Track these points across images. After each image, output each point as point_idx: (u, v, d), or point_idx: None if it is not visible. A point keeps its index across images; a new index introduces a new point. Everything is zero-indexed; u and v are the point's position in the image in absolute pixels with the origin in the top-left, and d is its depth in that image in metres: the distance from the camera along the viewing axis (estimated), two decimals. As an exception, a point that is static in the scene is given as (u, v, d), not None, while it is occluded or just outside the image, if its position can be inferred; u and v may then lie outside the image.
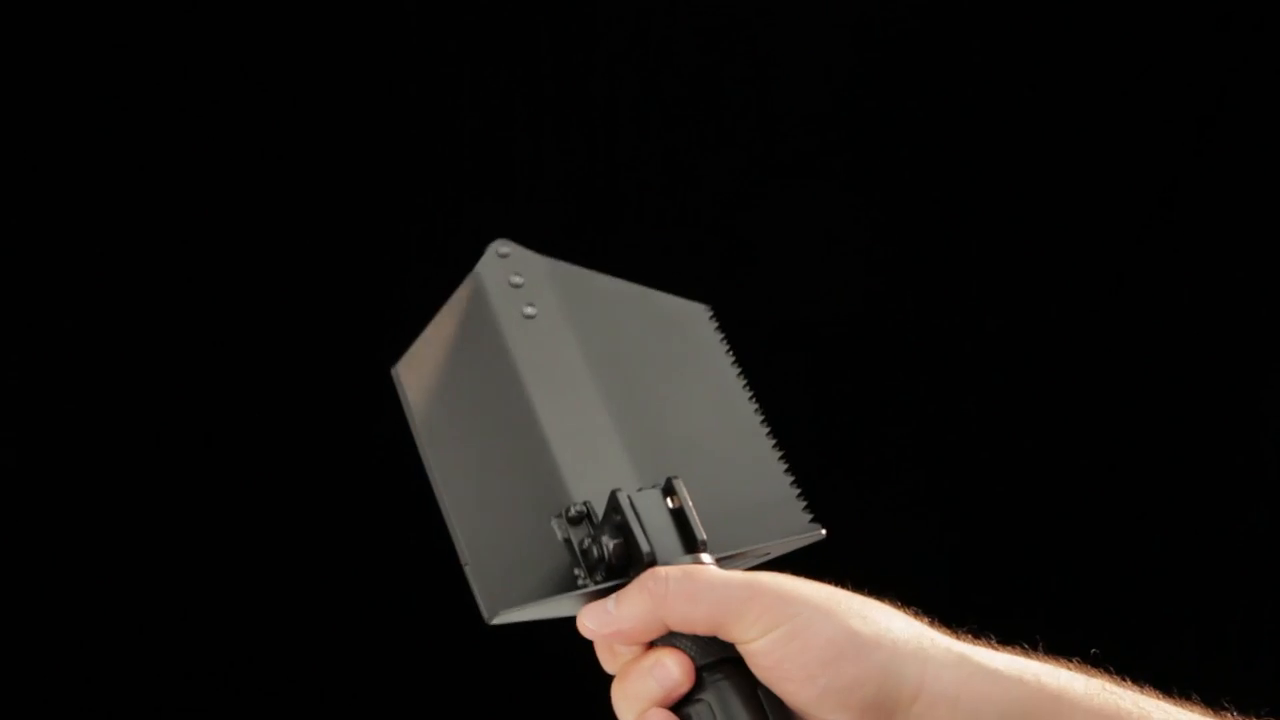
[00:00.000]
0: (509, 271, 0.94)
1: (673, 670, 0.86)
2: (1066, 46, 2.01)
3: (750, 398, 0.93)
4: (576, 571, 0.88)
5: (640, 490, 0.87)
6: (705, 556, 0.87)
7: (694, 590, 0.85)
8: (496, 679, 1.99)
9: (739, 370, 0.94)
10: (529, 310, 0.93)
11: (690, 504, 0.87)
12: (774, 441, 0.93)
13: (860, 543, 1.75)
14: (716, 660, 0.85)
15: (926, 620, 0.88)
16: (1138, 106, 2.01)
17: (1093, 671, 0.89)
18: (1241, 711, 0.90)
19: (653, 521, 0.86)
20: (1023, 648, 0.90)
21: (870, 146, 2.02)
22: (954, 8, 2.00)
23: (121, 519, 1.92)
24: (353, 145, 1.95)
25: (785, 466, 0.92)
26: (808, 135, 2.01)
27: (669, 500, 0.87)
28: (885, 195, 2.02)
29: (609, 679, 0.88)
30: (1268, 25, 1.99)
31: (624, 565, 0.87)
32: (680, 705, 0.86)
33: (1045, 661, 0.88)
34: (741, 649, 0.85)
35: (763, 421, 0.93)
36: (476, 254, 0.94)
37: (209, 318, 1.93)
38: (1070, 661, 0.90)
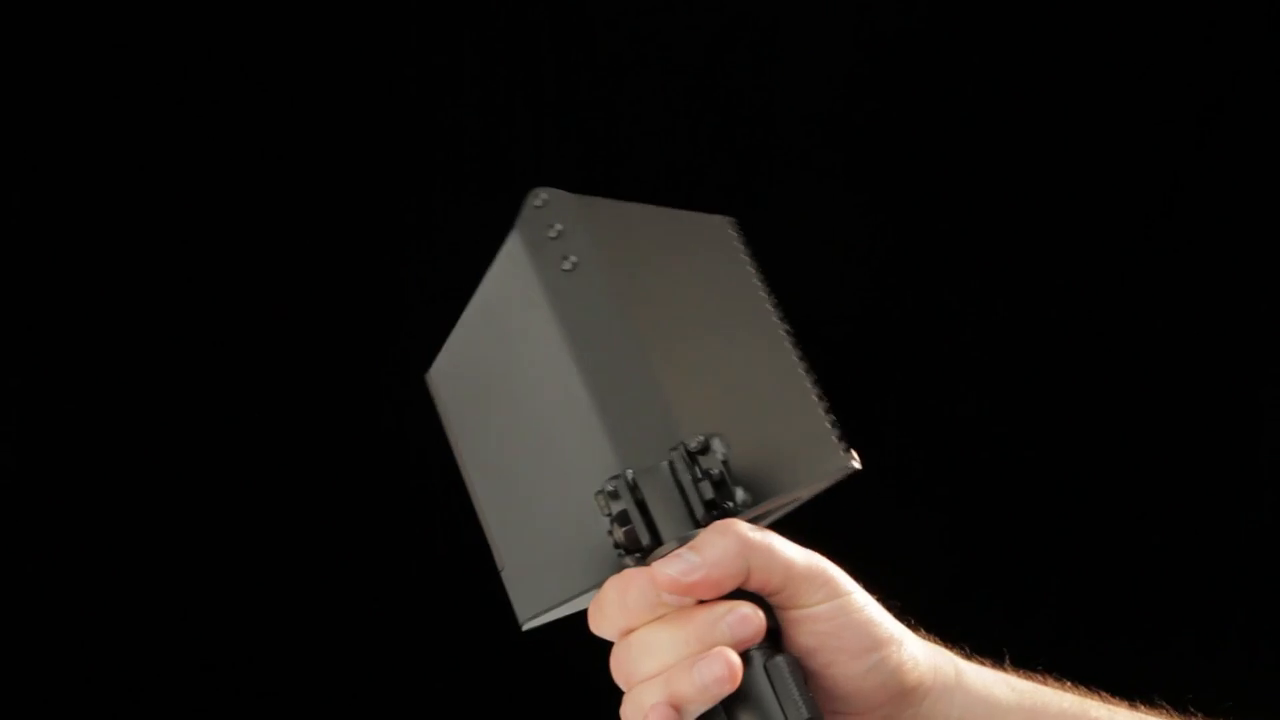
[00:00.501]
0: (547, 222, 0.91)
1: (753, 619, 0.81)
2: (1067, 46, 2.01)
3: (777, 316, 0.90)
4: (619, 554, 0.84)
5: (664, 463, 0.84)
6: (729, 506, 0.85)
7: (773, 548, 0.82)
8: (507, 678, 1.99)
9: (766, 287, 0.91)
10: (567, 264, 0.90)
11: (725, 463, 0.84)
12: (804, 365, 0.89)
13: (860, 544, 1.75)
14: (776, 626, 0.82)
15: (921, 631, 0.87)
16: (1139, 106, 2.01)
17: (1062, 684, 0.89)
18: (1209, 713, 0.90)
19: (665, 502, 0.84)
20: (993, 662, 0.89)
21: (871, 147, 2.02)
22: (954, 8, 2.00)
23: (120, 519, 1.92)
24: (350, 145, 1.95)
25: (816, 392, 0.89)
26: (808, 135, 2.01)
27: (703, 461, 0.84)
28: (886, 195, 2.02)
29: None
30: (1268, 24, 1.99)
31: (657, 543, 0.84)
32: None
33: (1013, 674, 0.88)
34: (796, 614, 0.82)
35: (793, 343, 0.90)
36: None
37: (208, 319, 1.93)
38: (1039, 675, 0.89)
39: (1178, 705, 0.90)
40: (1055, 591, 2.01)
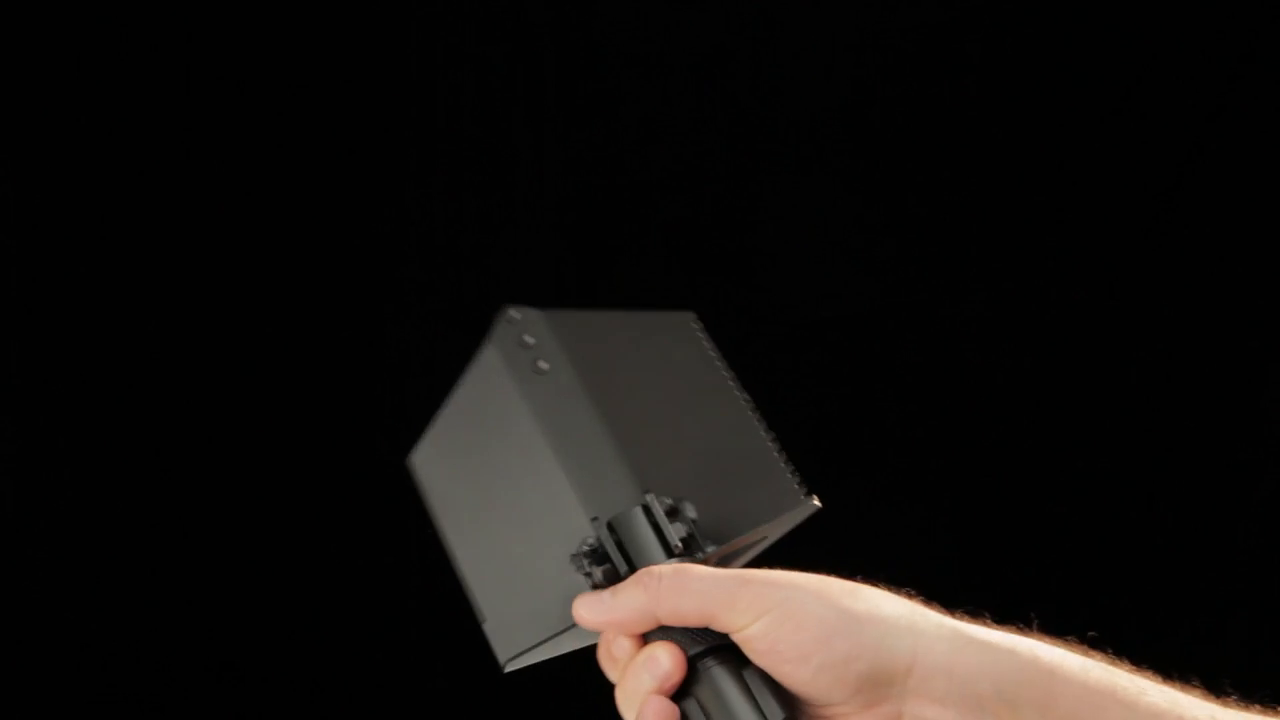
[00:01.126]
0: (519, 334, 0.99)
1: (663, 660, 0.87)
2: (1066, 46, 2.01)
3: (737, 389, 0.98)
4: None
5: (637, 507, 0.91)
6: (699, 556, 0.91)
7: (684, 584, 0.88)
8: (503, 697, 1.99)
9: (724, 366, 0.99)
10: (539, 369, 0.98)
11: (682, 517, 0.92)
12: (763, 426, 0.97)
13: (861, 542, 1.75)
14: (706, 649, 0.88)
15: (920, 601, 0.89)
16: (1139, 105, 2.01)
17: (1089, 651, 0.90)
18: (1245, 697, 0.90)
19: (641, 538, 0.90)
20: (1019, 627, 0.90)
21: (872, 147, 2.02)
22: (955, 8, 2.00)
23: (118, 520, 1.92)
24: (350, 145, 1.95)
25: (776, 448, 0.96)
26: (810, 135, 2.01)
27: (664, 515, 0.91)
28: (885, 196, 2.02)
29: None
30: (1268, 24, 1.99)
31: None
32: (678, 698, 0.88)
33: (1040, 639, 0.89)
34: (737, 638, 0.87)
35: (752, 409, 0.97)
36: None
37: (206, 320, 1.93)
38: (1066, 640, 0.90)
39: (1213, 689, 0.90)
40: (1055, 592, 2.01)
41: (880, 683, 0.85)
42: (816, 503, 0.95)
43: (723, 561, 0.93)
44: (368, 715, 1.98)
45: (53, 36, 1.89)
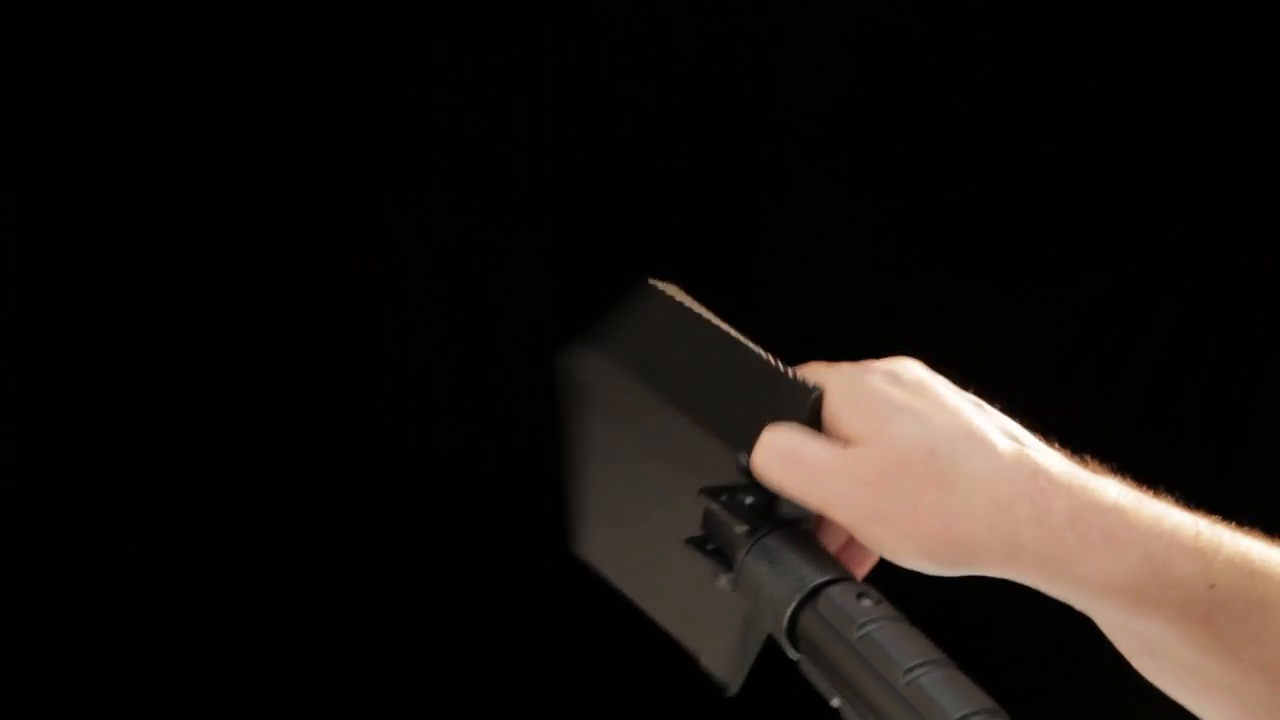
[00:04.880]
0: (580, 378, 0.98)
1: None
2: (1067, 46, 2.01)
3: (722, 325, 0.97)
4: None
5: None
6: None
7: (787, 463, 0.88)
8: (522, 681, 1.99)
9: (701, 309, 0.97)
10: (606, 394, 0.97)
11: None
12: (757, 346, 0.95)
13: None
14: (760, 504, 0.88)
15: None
16: (1139, 105, 2.02)
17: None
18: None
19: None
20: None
21: (873, 148, 2.02)
22: (955, 8, 2.00)
23: (117, 519, 1.93)
24: (349, 144, 1.96)
25: (773, 359, 0.94)
26: (810, 136, 2.01)
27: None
28: (885, 195, 2.02)
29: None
30: (1268, 23, 1.99)
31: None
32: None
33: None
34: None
35: (744, 337, 0.96)
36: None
37: (206, 320, 1.94)
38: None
39: None
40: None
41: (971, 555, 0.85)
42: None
43: None
44: (368, 715, 1.99)
45: (52, 36, 1.89)
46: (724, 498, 0.89)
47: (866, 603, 0.83)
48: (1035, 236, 2.03)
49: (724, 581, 0.89)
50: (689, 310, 0.97)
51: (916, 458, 0.85)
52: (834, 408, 0.88)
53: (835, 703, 0.84)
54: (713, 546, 0.90)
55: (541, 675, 1.98)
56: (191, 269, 1.92)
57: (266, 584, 1.95)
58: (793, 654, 0.85)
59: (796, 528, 0.87)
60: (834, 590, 0.85)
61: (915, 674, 0.81)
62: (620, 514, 0.97)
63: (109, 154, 1.90)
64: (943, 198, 2.02)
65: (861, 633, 0.83)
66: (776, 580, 0.86)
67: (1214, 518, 0.88)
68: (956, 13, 2.00)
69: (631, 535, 0.96)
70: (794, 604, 0.85)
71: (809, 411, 0.90)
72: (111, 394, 1.91)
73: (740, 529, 0.88)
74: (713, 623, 0.92)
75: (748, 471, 0.89)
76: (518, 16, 1.95)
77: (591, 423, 0.97)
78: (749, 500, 0.88)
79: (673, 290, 0.99)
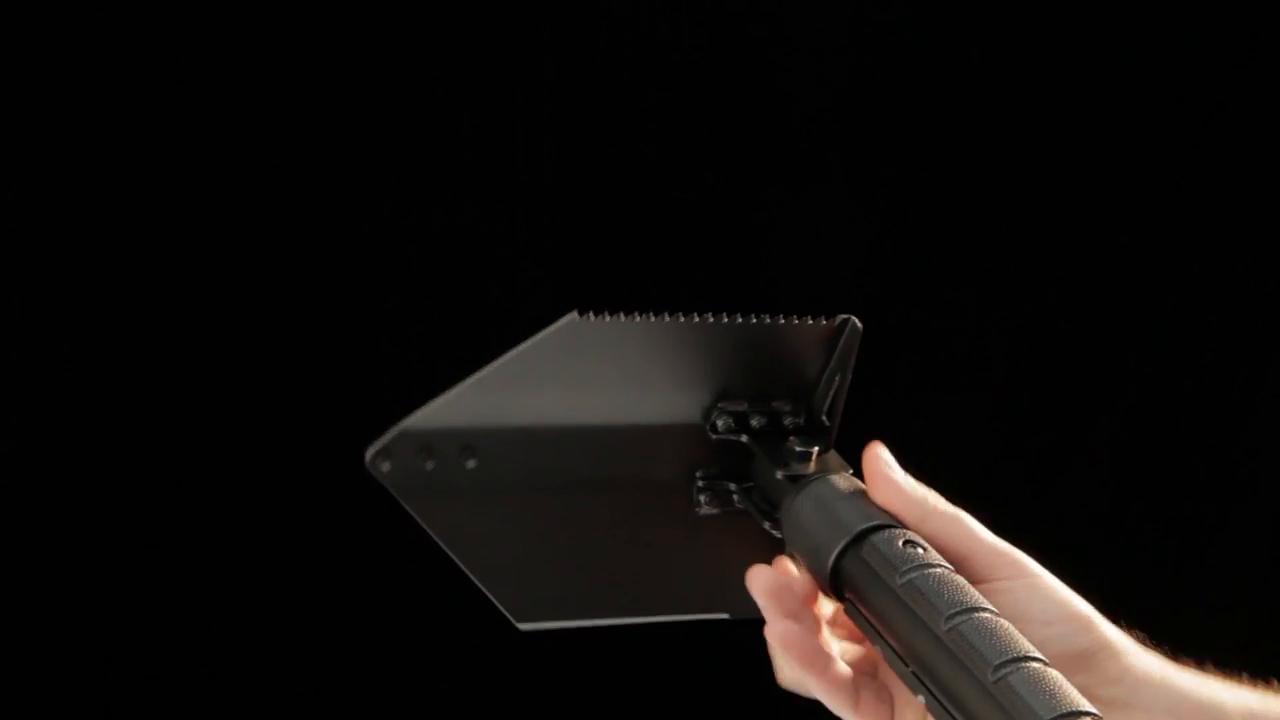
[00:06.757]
0: (417, 460, 0.94)
1: None
2: (1067, 47, 2.01)
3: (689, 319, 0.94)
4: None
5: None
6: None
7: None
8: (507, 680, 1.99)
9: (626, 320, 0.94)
10: (470, 464, 0.93)
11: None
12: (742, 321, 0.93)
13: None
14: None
15: None
16: (1139, 104, 2.02)
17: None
18: None
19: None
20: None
21: (873, 148, 2.02)
22: (955, 8, 2.00)
23: (118, 520, 1.93)
24: (348, 144, 1.96)
25: (781, 320, 0.94)
26: (810, 136, 2.01)
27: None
28: (885, 195, 2.02)
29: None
30: (1268, 23, 1.99)
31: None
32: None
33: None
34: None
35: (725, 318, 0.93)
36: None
37: (205, 320, 1.94)
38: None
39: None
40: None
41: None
42: (856, 322, 0.93)
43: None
44: (367, 715, 1.99)
45: (52, 36, 1.89)
46: (766, 445, 0.88)
47: (913, 550, 0.83)
48: (1035, 236, 2.03)
49: (767, 526, 0.88)
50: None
51: None
52: None
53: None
54: (748, 485, 0.87)
55: (541, 676, 1.98)
56: (191, 269, 1.93)
57: (266, 584, 1.95)
58: (831, 602, 0.85)
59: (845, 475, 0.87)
60: (879, 537, 0.85)
61: (955, 621, 0.81)
62: (544, 558, 0.93)
63: (109, 154, 1.90)
64: (942, 198, 2.02)
65: (905, 579, 0.83)
66: (823, 524, 0.85)
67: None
68: (957, 13, 2.00)
69: (573, 565, 0.93)
70: (839, 548, 0.85)
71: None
72: (111, 394, 1.92)
73: (785, 474, 0.87)
74: (698, 575, 0.91)
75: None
76: (518, 16, 1.95)
77: (460, 506, 0.92)
78: (797, 447, 0.86)
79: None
